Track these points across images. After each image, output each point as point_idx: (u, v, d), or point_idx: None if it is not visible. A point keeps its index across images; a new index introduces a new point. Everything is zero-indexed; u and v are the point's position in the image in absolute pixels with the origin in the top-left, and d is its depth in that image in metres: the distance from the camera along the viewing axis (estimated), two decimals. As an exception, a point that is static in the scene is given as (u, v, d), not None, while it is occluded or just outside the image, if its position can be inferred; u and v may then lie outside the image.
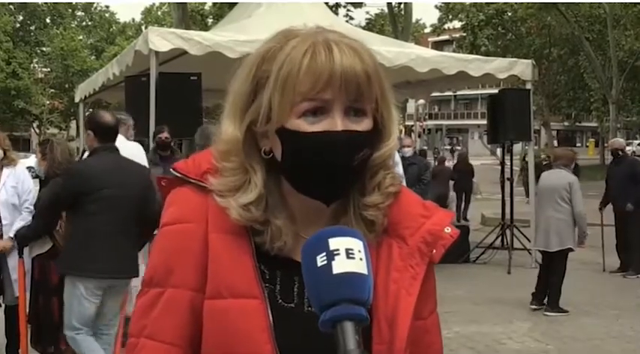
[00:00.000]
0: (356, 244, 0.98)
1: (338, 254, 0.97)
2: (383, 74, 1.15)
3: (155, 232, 4.50)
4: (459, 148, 31.65)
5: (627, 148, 12.28)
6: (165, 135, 6.91)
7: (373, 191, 1.18)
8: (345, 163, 1.10)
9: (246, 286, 1.12)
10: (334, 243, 0.98)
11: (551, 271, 7.63)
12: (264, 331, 1.10)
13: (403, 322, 1.14)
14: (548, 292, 7.69)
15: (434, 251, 1.19)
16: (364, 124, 1.12)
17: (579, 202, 7.59)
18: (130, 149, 6.12)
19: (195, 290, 1.14)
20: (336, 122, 1.09)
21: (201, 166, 1.19)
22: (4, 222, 5.21)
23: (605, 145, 36.44)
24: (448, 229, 1.20)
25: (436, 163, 18.22)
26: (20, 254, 4.92)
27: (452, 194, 16.88)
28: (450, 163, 19.44)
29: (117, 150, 4.49)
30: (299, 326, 1.13)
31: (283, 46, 1.12)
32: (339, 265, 0.96)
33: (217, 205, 1.15)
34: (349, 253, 0.97)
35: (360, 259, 0.97)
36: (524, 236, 10.62)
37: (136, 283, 4.60)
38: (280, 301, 1.15)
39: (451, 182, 17.24)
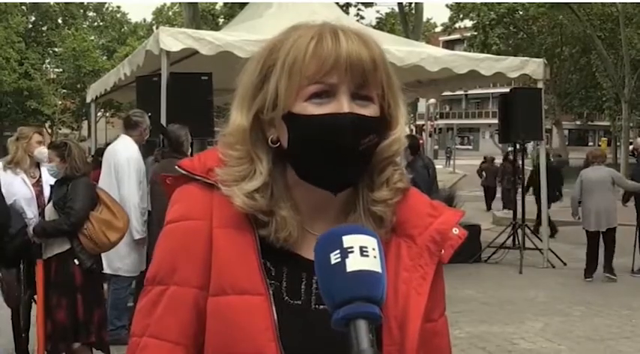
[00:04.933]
0: (370, 242, 0.97)
1: (352, 252, 0.95)
2: (389, 64, 1.16)
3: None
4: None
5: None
6: None
7: (382, 187, 1.17)
8: (352, 147, 1.09)
9: (250, 282, 1.11)
10: (348, 240, 0.96)
11: (610, 242, 9.58)
12: (268, 328, 1.09)
13: (414, 323, 1.12)
14: (605, 261, 9.62)
15: (442, 251, 1.17)
16: (370, 110, 1.12)
17: (628, 182, 10.07)
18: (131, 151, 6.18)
19: (200, 288, 1.13)
20: (343, 105, 1.09)
21: (207, 164, 1.19)
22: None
23: (617, 144, 36.27)
24: (456, 231, 1.19)
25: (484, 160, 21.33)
26: (39, 255, 4.96)
27: (460, 194, 17.67)
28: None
29: None
30: (306, 324, 1.12)
31: (290, 36, 1.13)
32: (353, 263, 0.95)
33: (222, 201, 1.14)
34: (363, 251, 0.96)
35: (375, 257, 0.96)
36: (536, 236, 10.56)
37: None
38: (286, 298, 1.14)
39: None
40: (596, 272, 9.65)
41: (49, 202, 5.12)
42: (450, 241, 1.18)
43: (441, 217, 1.20)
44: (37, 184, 5.56)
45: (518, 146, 12.18)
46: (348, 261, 0.95)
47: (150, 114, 6.82)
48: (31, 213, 5.43)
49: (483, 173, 20.74)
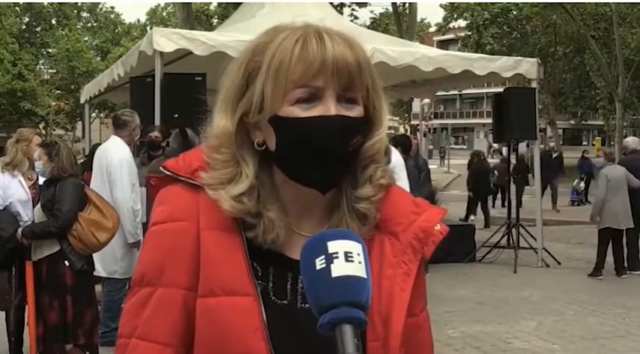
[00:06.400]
0: (355, 247, 0.98)
1: (337, 257, 0.96)
2: (373, 66, 1.17)
3: None
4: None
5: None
6: (155, 134, 6.84)
7: (365, 184, 1.18)
8: (341, 148, 1.11)
9: (239, 283, 1.11)
10: (333, 246, 0.97)
11: (621, 241, 9.73)
12: (258, 328, 1.10)
13: (398, 319, 1.14)
14: (618, 261, 9.84)
15: (425, 248, 1.19)
16: (356, 111, 1.13)
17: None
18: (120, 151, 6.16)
19: (188, 289, 1.13)
20: (330, 108, 1.10)
21: (192, 165, 1.19)
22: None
23: (612, 143, 36.37)
24: (438, 226, 1.20)
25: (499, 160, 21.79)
26: (28, 257, 4.94)
27: (453, 193, 17.69)
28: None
29: None
30: (293, 323, 1.13)
31: (274, 38, 1.13)
32: (338, 269, 0.95)
33: (208, 202, 1.14)
34: (348, 257, 0.97)
35: (359, 262, 0.97)
36: (530, 235, 10.58)
37: None
38: (273, 298, 1.15)
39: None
40: (587, 270, 9.74)
41: (37, 203, 5.11)
42: (432, 237, 1.19)
43: (424, 214, 1.21)
44: (34, 187, 5.55)
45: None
46: (333, 266, 0.95)
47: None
48: (26, 216, 5.41)
49: (495, 172, 20.11)
